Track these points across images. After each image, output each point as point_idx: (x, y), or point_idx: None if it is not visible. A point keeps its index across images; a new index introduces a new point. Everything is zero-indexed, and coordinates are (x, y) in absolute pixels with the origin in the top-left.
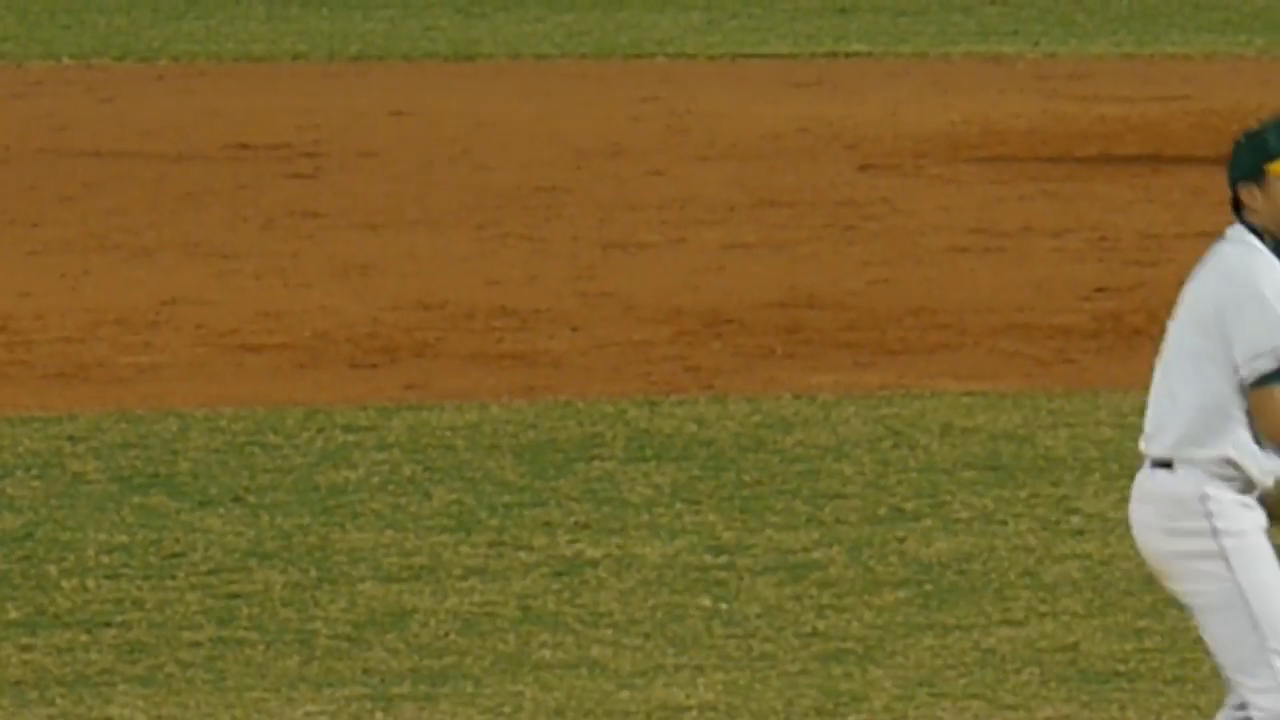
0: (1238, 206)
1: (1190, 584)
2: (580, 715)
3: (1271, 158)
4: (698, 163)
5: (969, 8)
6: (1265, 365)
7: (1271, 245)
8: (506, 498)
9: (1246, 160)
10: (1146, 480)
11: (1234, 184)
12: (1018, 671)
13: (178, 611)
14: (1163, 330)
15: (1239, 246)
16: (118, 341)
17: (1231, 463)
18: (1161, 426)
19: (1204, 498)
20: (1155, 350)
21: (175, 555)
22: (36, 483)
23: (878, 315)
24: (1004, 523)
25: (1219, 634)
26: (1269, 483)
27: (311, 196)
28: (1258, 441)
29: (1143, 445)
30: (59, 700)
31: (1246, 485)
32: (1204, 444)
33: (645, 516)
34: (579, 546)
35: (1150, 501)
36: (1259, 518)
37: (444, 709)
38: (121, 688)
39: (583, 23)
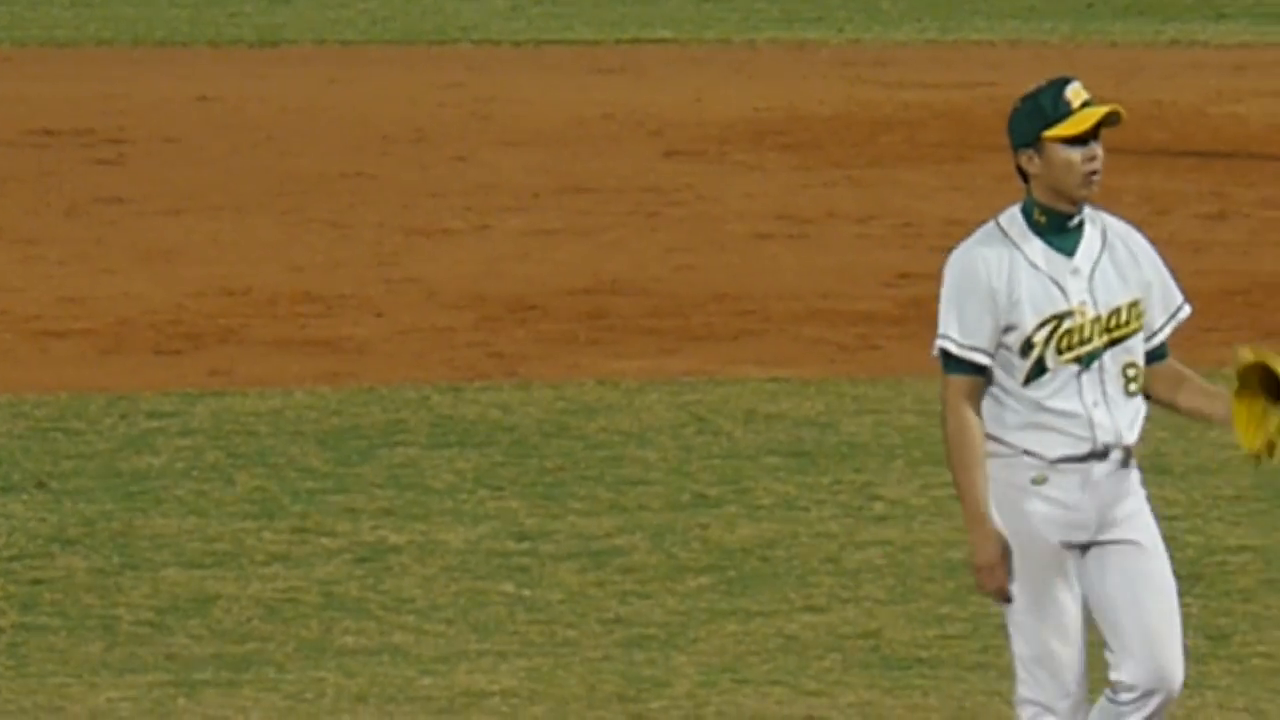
0: (1025, 176)
1: None
2: (383, 701)
3: (1048, 123)
4: (502, 149)
5: None
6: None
7: (1051, 218)
8: (310, 484)
9: (1023, 127)
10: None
11: (1014, 152)
12: (820, 658)
13: None
14: None
15: (972, 236)
16: None
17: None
18: None
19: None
20: None
21: None
22: None
23: (682, 301)
24: (807, 509)
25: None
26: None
27: (116, 183)
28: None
29: None
30: None
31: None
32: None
33: (448, 503)
34: (382, 533)
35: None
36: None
37: (247, 695)
38: None
39: (387, 8)
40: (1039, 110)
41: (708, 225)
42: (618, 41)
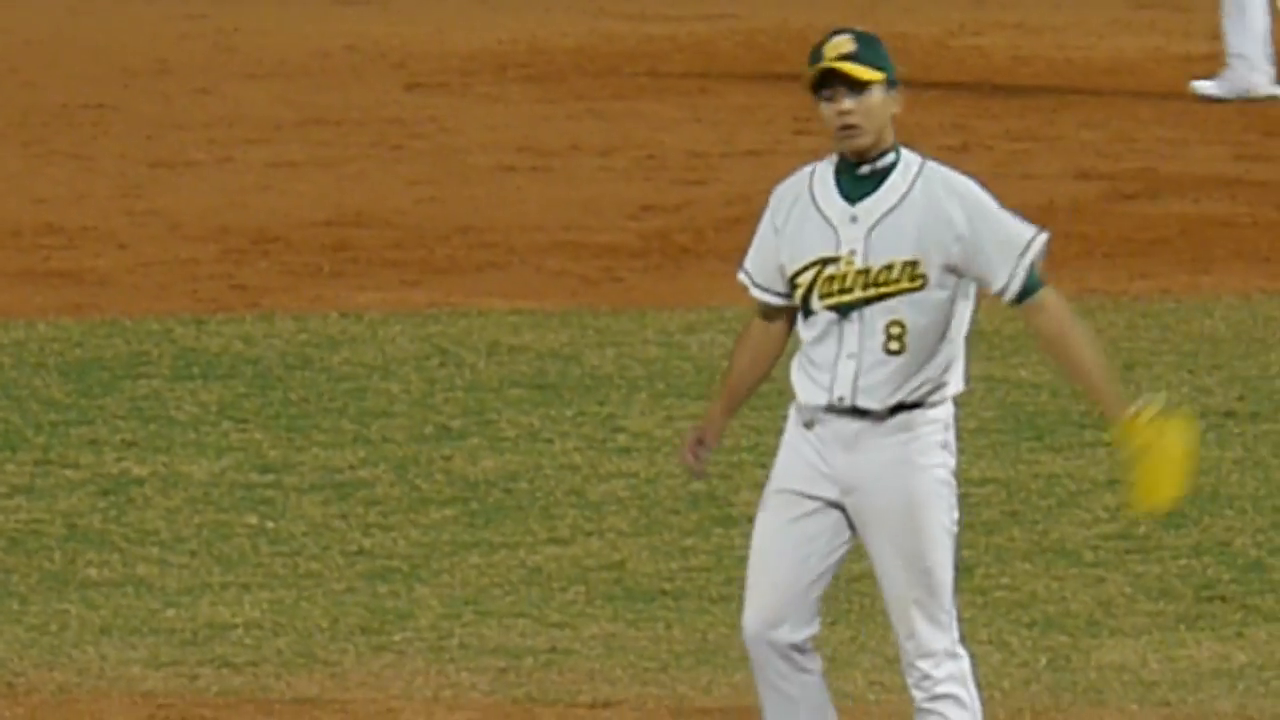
0: None
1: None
2: (126, 633)
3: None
4: (245, 81)
5: None
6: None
7: (843, 163)
8: (53, 416)
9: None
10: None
11: None
12: (564, 590)
13: None
14: (710, 249)
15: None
16: None
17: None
18: None
19: None
20: (702, 270)
21: None
22: None
23: (425, 234)
24: (550, 441)
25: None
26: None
27: None
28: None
29: None
30: None
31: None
32: None
33: (192, 435)
34: (125, 464)
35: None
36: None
37: None
38: None
39: None
40: (810, 60)
41: (451, 158)
42: None
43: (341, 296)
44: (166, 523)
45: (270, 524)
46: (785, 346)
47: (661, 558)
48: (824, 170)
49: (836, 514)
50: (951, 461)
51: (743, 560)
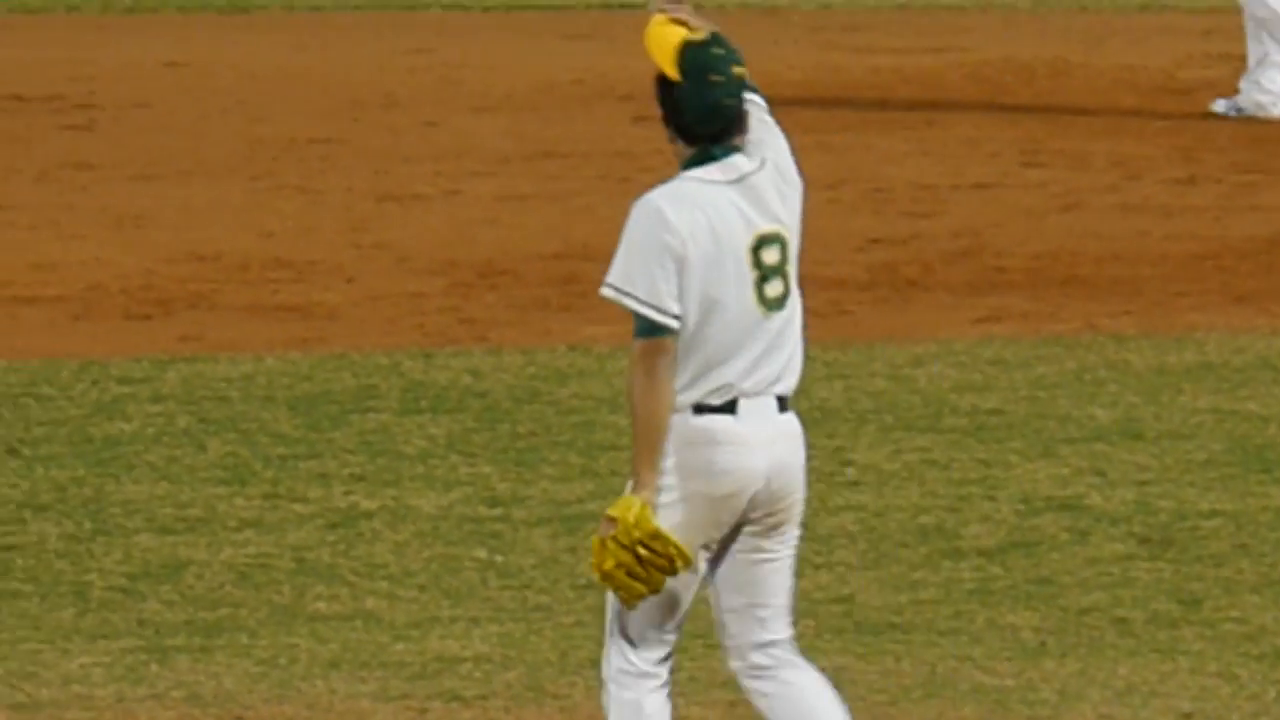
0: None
1: (796, 528)
2: (355, 667)
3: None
4: (472, 114)
5: None
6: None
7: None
8: (281, 450)
9: None
10: (788, 421)
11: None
12: (794, 623)
13: None
14: (937, 282)
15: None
16: None
17: None
18: (796, 367)
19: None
20: (930, 303)
21: None
22: None
23: None
24: None
25: (788, 578)
26: None
27: (85, 148)
28: None
29: (782, 388)
30: None
31: None
32: None
33: (420, 468)
34: (354, 498)
35: (799, 441)
36: None
37: (219, 661)
38: None
39: None
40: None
41: None
42: (588, 7)
43: (570, 329)
44: (395, 556)
45: (499, 557)
46: None
47: (890, 591)
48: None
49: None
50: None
51: (972, 593)
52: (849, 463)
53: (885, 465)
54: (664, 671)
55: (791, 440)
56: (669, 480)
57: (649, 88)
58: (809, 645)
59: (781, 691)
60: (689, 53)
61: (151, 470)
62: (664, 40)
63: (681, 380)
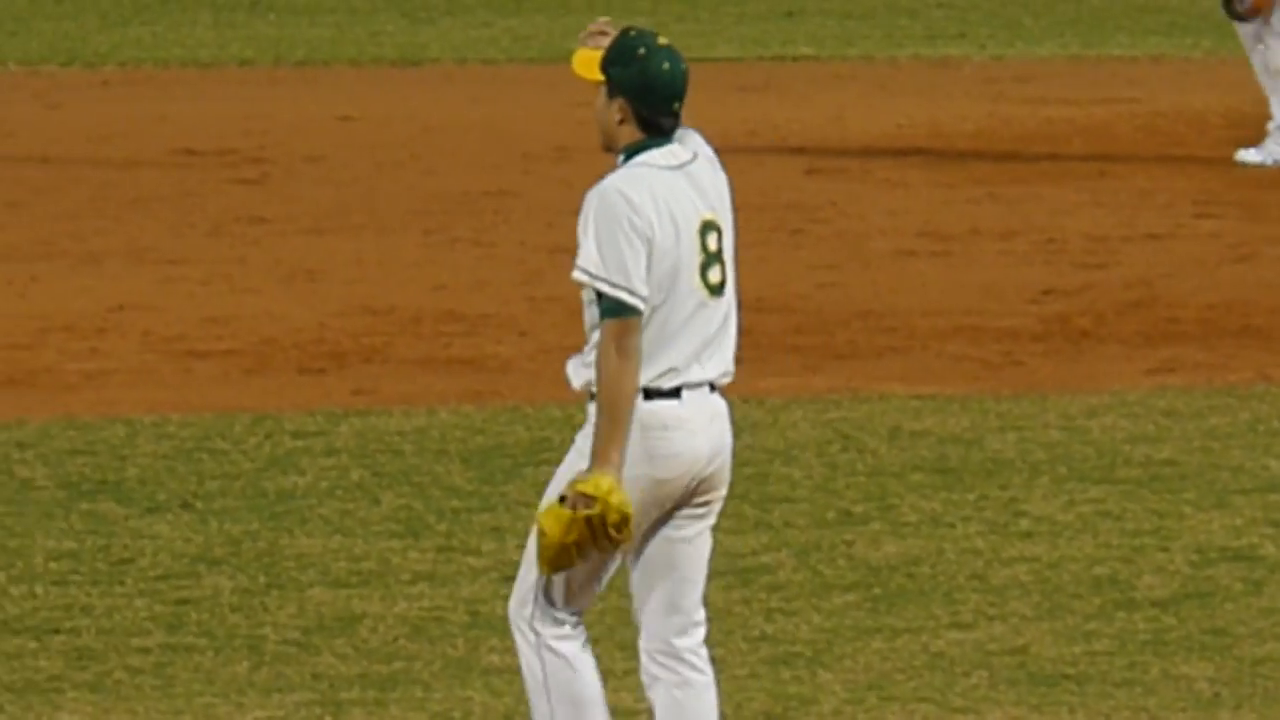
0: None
1: (719, 506)
2: None
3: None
4: None
5: (916, 11)
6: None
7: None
8: (455, 503)
9: None
10: (719, 401)
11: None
12: (967, 675)
13: (126, 618)
14: (1110, 333)
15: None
16: (65, 348)
17: None
18: (731, 358)
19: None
20: (1103, 354)
21: (124, 561)
22: None
23: (825, 318)
24: (952, 525)
25: (706, 557)
26: None
27: (258, 202)
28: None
29: (721, 376)
30: (8, 707)
31: None
32: None
33: None
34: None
35: (728, 421)
36: None
37: (393, 714)
38: (70, 694)
39: (528, 27)
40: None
41: (850, 242)
42: (760, 59)
43: (742, 382)
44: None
45: None
46: None
47: (1064, 642)
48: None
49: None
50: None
51: (1146, 644)
52: (1023, 514)
53: (1059, 516)
54: (582, 629)
55: (724, 420)
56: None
57: (822, 139)
58: (983, 697)
59: (678, 688)
60: (622, 41)
61: (325, 524)
62: (587, 56)
63: None
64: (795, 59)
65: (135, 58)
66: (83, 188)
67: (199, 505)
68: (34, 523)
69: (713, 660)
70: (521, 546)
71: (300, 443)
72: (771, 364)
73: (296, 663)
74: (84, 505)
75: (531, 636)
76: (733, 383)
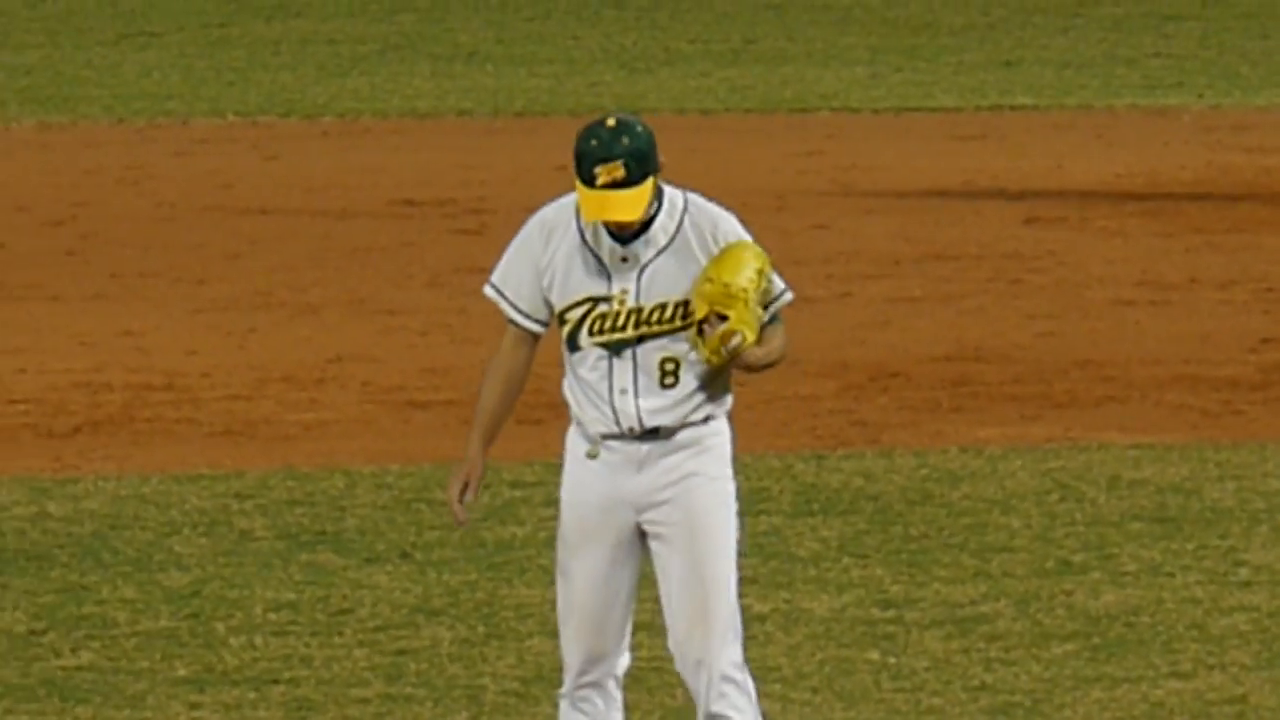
0: None
1: None
2: None
3: (580, 179)
4: (863, 216)
5: (1134, 60)
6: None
7: None
8: None
9: (576, 156)
10: None
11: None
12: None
13: (345, 668)
14: None
15: (557, 200)
16: (284, 399)
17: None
18: None
19: None
20: None
21: (343, 612)
22: (204, 540)
23: (1044, 368)
24: (1172, 575)
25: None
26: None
27: (477, 252)
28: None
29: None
30: None
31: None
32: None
33: (813, 571)
34: (746, 601)
35: None
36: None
37: None
38: None
39: (746, 77)
40: (577, 163)
41: (1069, 292)
42: (978, 108)
43: (961, 431)
44: (788, 659)
45: (892, 659)
46: (529, 371)
47: None
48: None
49: (633, 536)
50: (732, 474)
51: None
52: (1242, 563)
53: (1278, 565)
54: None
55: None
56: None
57: (1040, 189)
58: None
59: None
60: (651, 135)
61: (544, 574)
62: (629, 200)
63: None
64: (1013, 108)
65: (354, 109)
66: (301, 239)
67: (418, 556)
68: (253, 574)
69: (932, 710)
70: (742, 595)
71: (519, 493)
72: (991, 413)
73: (516, 713)
74: (303, 556)
75: (749, 682)
76: (951, 431)
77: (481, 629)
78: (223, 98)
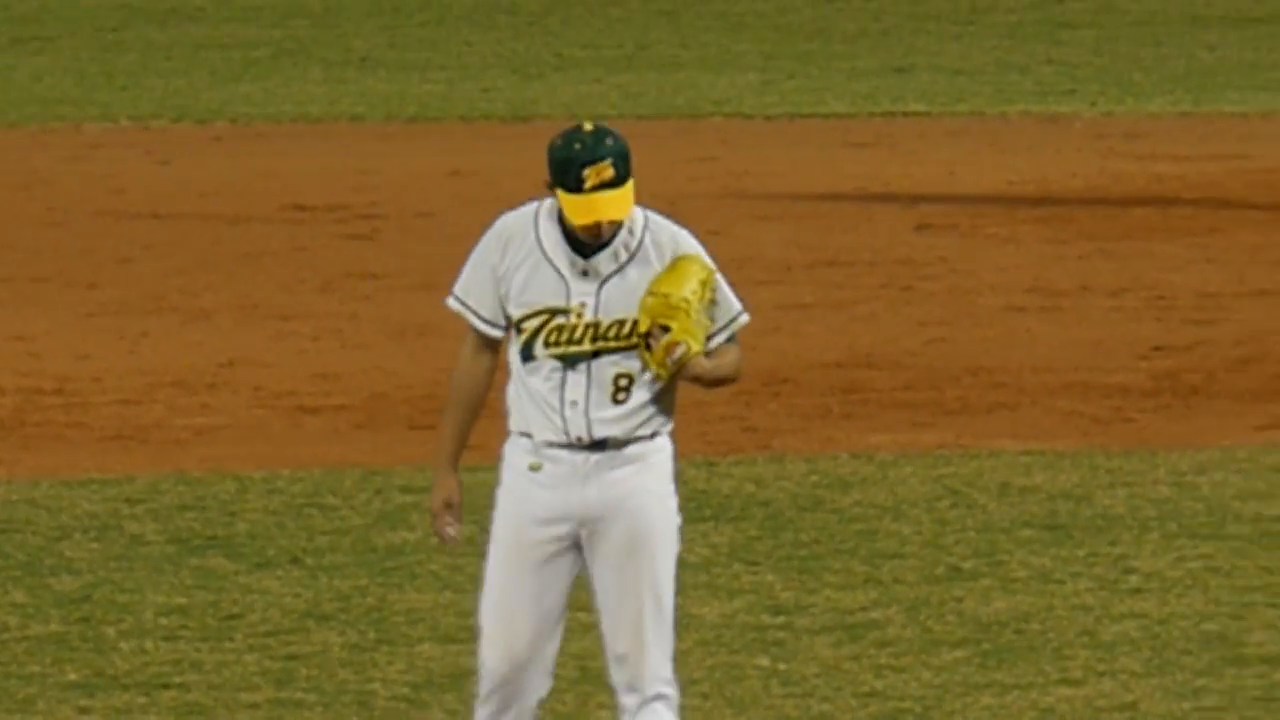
0: None
1: None
2: None
3: (564, 187)
4: (755, 222)
5: (1026, 67)
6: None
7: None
8: None
9: (551, 168)
10: None
11: None
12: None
13: (236, 673)
14: (1220, 389)
15: (519, 208)
16: (175, 404)
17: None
18: None
19: None
20: (1213, 410)
21: (233, 617)
22: (95, 545)
23: (935, 374)
24: (1062, 582)
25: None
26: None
27: (369, 257)
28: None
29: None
30: None
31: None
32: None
33: (703, 576)
34: None
35: None
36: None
37: None
38: None
39: (639, 83)
40: (562, 170)
41: (961, 298)
42: (870, 115)
43: (853, 438)
44: (679, 665)
45: (782, 665)
46: (493, 378)
47: (1174, 698)
48: (549, 217)
49: (570, 551)
50: (675, 490)
51: (1256, 700)
52: (1132, 570)
53: (1168, 572)
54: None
55: None
56: None
57: (932, 195)
58: None
59: None
60: (626, 147)
61: (435, 579)
62: (613, 201)
63: None
64: (905, 115)
65: (246, 114)
66: (193, 243)
67: (309, 561)
68: (144, 578)
69: (822, 716)
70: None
71: (410, 498)
72: (881, 420)
73: (406, 718)
74: (194, 561)
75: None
76: (842, 438)
77: (372, 634)
78: (115, 102)
